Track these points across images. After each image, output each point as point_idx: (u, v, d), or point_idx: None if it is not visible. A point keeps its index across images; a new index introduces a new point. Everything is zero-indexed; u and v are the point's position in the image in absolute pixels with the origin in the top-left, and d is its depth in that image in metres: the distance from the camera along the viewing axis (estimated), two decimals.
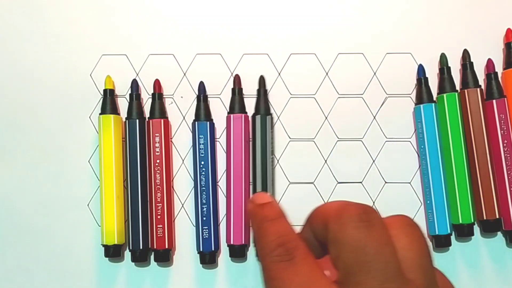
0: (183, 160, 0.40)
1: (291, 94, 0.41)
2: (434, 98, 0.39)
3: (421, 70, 0.40)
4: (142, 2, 0.41)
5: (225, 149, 0.40)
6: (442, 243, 0.38)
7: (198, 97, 0.40)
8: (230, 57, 0.41)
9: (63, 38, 0.41)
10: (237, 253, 0.38)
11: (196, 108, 0.39)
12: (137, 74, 0.41)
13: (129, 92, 0.40)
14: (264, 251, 0.24)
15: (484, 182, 0.38)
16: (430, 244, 0.23)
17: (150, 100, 0.40)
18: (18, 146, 0.40)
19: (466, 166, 0.38)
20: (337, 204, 0.24)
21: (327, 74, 0.41)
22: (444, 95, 0.39)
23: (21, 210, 0.39)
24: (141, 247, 0.38)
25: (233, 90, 0.40)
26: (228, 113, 0.39)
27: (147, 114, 0.40)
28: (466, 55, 0.40)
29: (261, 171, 0.38)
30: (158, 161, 0.38)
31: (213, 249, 0.38)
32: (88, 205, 0.40)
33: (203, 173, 0.38)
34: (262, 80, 0.40)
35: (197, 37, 0.41)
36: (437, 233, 0.37)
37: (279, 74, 0.41)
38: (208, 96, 0.40)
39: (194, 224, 0.39)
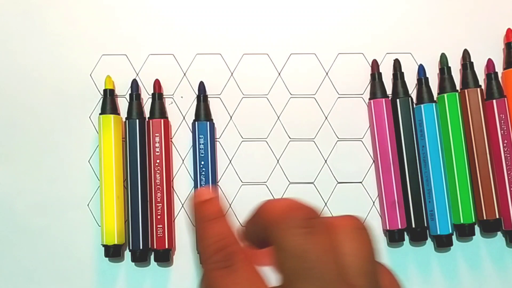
0: (183, 160, 0.40)
1: (291, 94, 0.41)
2: (435, 98, 0.39)
3: (421, 70, 0.40)
4: (142, 2, 0.41)
5: (224, 148, 0.40)
6: (443, 243, 0.38)
7: (198, 97, 0.40)
8: (230, 57, 0.41)
9: (63, 38, 0.41)
10: None
11: (196, 108, 0.39)
12: (137, 74, 0.41)
13: (129, 92, 0.40)
14: (203, 255, 0.23)
15: (484, 182, 0.38)
16: (377, 247, 0.23)
17: (150, 100, 0.40)
18: (18, 146, 0.40)
19: (467, 166, 0.38)
20: (281, 205, 0.23)
21: (327, 74, 0.41)
22: (445, 95, 0.39)
23: (21, 210, 0.39)
24: (141, 247, 0.38)
25: (373, 75, 0.40)
26: (369, 98, 0.40)
27: (147, 114, 0.40)
28: (466, 55, 0.40)
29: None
30: (158, 161, 0.38)
31: None
32: (88, 205, 0.40)
33: (203, 173, 0.38)
34: (397, 63, 0.40)
35: (197, 37, 0.41)
36: (438, 233, 0.37)
37: (279, 74, 0.41)
38: (208, 96, 0.40)
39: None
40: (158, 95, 0.39)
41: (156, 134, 0.38)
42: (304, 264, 0.21)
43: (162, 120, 0.39)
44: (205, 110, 0.39)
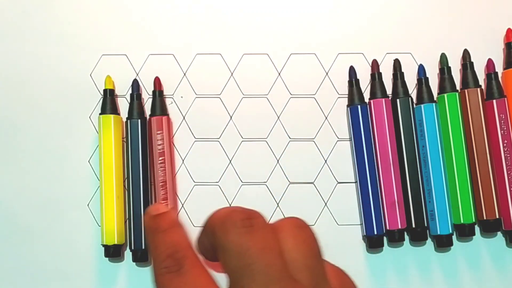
0: (183, 160, 0.40)
1: (291, 94, 0.41)
2: (435, 98, 0.39)
3: (421, 70, 0.40)
4: (142, 2, 0.41)
5: (224, 148, 0.40)
6: (443, 243, 0.38)
7: (350, 83, 0.38)
8: (230, 57, 0.41)
9: (63, 38, 0.41)
10: None
11: (348, 92, 0.39)
12: (137, 74, 0.41)
13: (130, 92, 0.40)
14: (154, 263, 0.24)
15: (484, 182, 0.38)
16: (320, 244, 0.23)
17: (151, 99, 0.40)
18: (18, 146, 0.40)
19: (467, 166, 0.38)
20: (222, 210, 0.24)
21: (327, 74, 0.41)
22: (445, 95, 0.39)
23: (21, 210, 0.39)
24: (142, 247, 0.38)
25: (373, 75, 0.40)
26: (369, 98, 0.40)
27: (147, 114, 0.40)
28: (466, 55, 0.40)
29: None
30: (161, 158, 0.38)
31: None
32: (88, 205, 0.40)
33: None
34: (397, 63, 0.40)
35: (197, 37, 0.41)
36: (438, 233, 0.38)
37: (279, 74, 0.41)
38: (208, 96, 0.40)
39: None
40: (158, 93, 0.39)
41: (158, 132, 0.38)
42: (245, 260, 0.21)
43: (163, 118, 0.39)
44: (359, 93, 0.40)
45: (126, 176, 0.39)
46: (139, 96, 0.40)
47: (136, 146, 0.38)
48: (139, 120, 0.39)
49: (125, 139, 0.39)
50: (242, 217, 0.23)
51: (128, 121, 0.39)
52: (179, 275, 0.22)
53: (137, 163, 0.38)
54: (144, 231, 0.38)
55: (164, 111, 0.39)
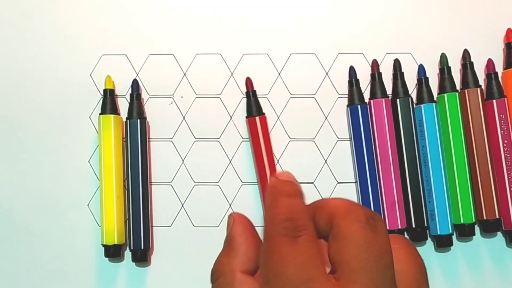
0: (183, 160, 0.40)
1: (291, 94, 0.41)
2: (435, 98, 0.39)
3: (421, 70, 0.40)
4: (142, 2, 0.41)
5: (224, 148, 0.40)
6: (443, 243, 0.38)
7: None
8: (230, 57, 0.41)
9: (63, 38, 0.41)
10: None
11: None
12: (137, 74, 0.41)
13: (129, 92, 0.40)
14: (271, 221, 0.24)
15: (484, 182, 0.38)
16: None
17: (151, 100, 0.40)
18: (18, 146, 0.40)
19: (467, 166, 0.38)
20: (346, 202, 0.24)
21: (327, 74, 0.41)
22: (445, 95, 0.39)
23: (21, 210, 0.39)
24: (142, 247, 0.38)
25: (373, 75, 0.40)
26: (369, 98, 0.40)
27: (147, 114, 0.40)
28: (466, 55, 0.40)
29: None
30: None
31: None
32: (88, 205, 0.40)
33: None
34: (397, 63, 0.40)
35: (197, 37, 0.41)
36: (438, 233, 0.38)
37: (279, 74, 0.41)
38: (208, 96, 0.40)
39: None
40: (252, 93, 0.40)
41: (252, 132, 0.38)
42: (366, 255, 0.22)
43: (261, 117, 0.39)
44: (359, 93, 0.40)
45: (126, 176, 0.39)
46: (139, 96, 0.40)
47: (136, 146, 0.38)
48: (139, 120, 0.39)
49: (125, 139, 0.39)
50: (368, 215, 0.23)
51: (128, 121, 0.39)
52: (294, 242, 0.22)
53: (136, 163, 0.38)
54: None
55: (260, 111, 0.39)
